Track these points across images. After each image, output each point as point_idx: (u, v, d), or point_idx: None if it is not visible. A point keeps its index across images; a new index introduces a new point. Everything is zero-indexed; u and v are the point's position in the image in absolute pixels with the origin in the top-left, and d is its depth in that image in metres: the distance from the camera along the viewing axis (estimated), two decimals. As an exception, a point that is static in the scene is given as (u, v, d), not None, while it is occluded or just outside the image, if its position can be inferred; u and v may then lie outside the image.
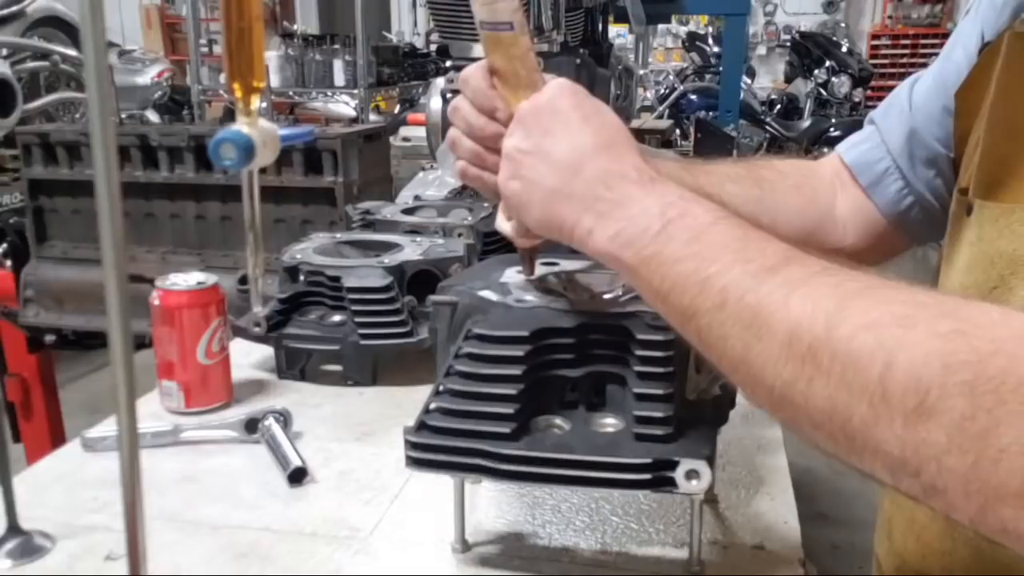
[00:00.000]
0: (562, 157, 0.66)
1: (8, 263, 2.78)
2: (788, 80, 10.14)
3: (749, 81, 8.47)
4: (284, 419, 0.99)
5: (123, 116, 3.67)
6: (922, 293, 0.50)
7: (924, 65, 0.94)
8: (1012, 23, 0.72)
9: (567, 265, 0.88)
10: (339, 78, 4.09)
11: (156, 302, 1.05)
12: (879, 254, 0.93)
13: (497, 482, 0.83)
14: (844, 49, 9.53)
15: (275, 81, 3.95)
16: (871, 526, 0.91)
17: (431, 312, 0.87)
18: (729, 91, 4.03)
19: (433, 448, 0.71)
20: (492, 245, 1.35)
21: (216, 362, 1.07)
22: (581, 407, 0.75)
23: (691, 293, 0.58)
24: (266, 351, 1.20)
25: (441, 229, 1.37)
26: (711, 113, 6.13)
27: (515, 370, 0.72)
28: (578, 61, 1.86)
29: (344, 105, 4.74)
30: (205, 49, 5.60)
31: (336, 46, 4.11)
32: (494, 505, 0.85)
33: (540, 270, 0.87)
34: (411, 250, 1.24)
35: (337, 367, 1.17)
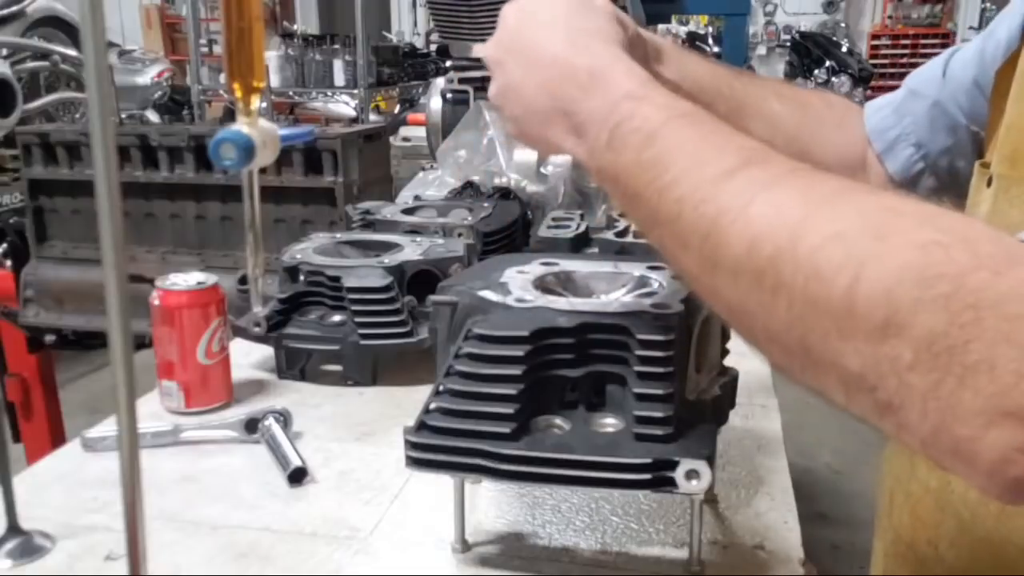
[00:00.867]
0: (530, 62, 0.64)
1: (8, 263, 2.79)
2: (788, 80, 10.14)
3: (749, 81, 8.46)
4: (284, 419, 0.99)
5: (123, 116, 3.67)
6: (899, 200, 0.47)
7: (925, 65, 0.94)
8: None
9: (567, 265, 0.88)
10: (339, 78, 4.10)
11: (156, 302, 1.05)
12: None
13: (497, 482, 0.83)
14: (844, 49, 9.54)
15: (275, 81, 3.96)
16: (871, 526, 0.91)
17: (431, 312, 0.87)
18: (729, 91, 4.02)
19: (433, 448, 0.71)
20: (492, 245, 1.35)
21: (216, 362, 1.07)
22: (581, 407, 0.75)
23: (650, 204, 0.55)
24: (266, 351, 1.20)
25: (441, 229, 1.37)
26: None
27: (515, 370, 0.72)
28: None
29: (344, 105, 4.74)
30: (205, 49, 5.61)
31: (336, 46, 4.11)
32: (494, 505, 0.85)
33: (540, 270, 0.87)
34: (411, 250, 1.24)
35: (337, 367, 1.17)
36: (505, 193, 1.58)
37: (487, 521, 0.83)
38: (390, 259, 1.20)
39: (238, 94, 0.98)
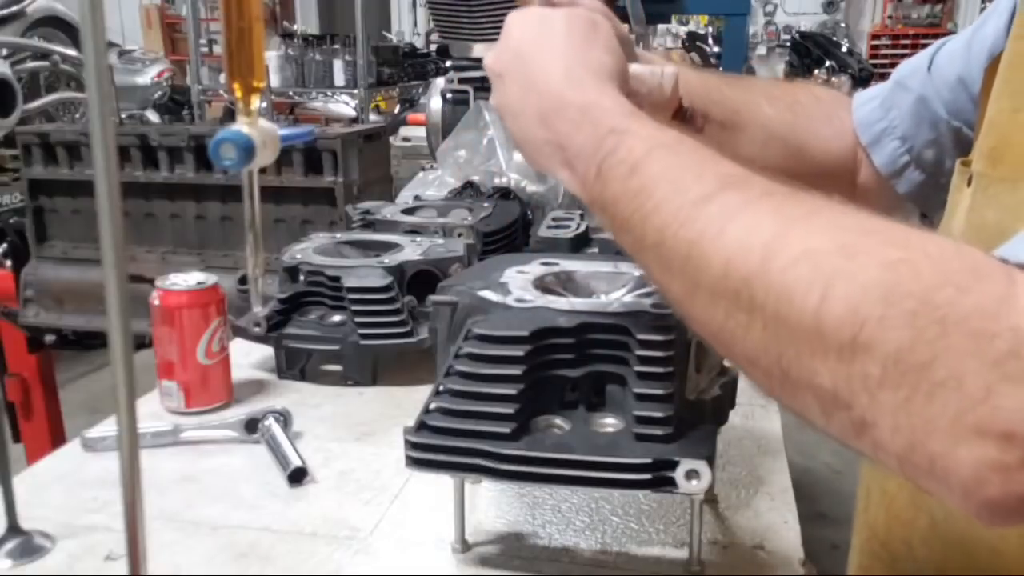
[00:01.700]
0: (528, 87, 0.67)
1: (8, 263, 2.79)
2: (787, 79, 10.13)
3: (749, 81, 8.46)
4: (284, 419, 0.99)
5: (123, 116, 3.67)
6: (870, 220, 0.48)
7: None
8: None
9: (567, 265, 0.88)
10: (339, 78, 4.10)
11: (156, 302, 1.05)
12: (879, 204, 0.94)
13: (497, 482, 0.83)
14: (844, 49, 9.55)
15: (275, 81, 3.96)
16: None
17: (431, 312, 0.87)
18: (729, 91, 4.01)
19: (433, 448, 0.71)
20: (492, 245, 1.35)
21: (216, 362, 1.07)
22: (581, 407, 0.75)
23: (636, 231, 0.57)
24: (266, 351, 1.20)
25: (441, 229, 1.37)
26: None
27: (515, 370, 0.71)
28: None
29: (344, 105, 4.74)
30: (205, 49, 5.61)
31: (336, 46, 4.11)
32: (494, 505, 0.85)
33: (540, 270, 0.87)
34: (411, 250, 1.24)
35: (337, 367, 1.17)
36: (505, 193, 1.58)
37: (487, 521, 0.83)
38: (390, 259, 1.20)
39: (238, 94, 0.98)
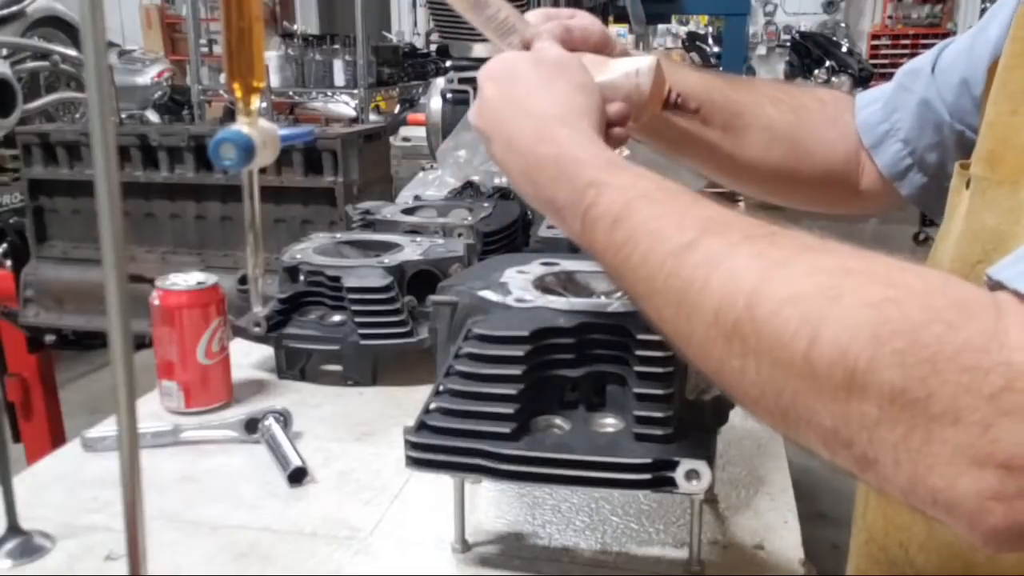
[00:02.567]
0: (509, 148, 0.68)
1: (8, 263, 2.78)
2: (788, 80, 10.15)
3: (749, 81, 8.47)
4: (284, 419, 0.99)
5: (123, 116, 3.67)
6: (853, 258, 0.48)
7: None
8: None
9: (567, 265, 0.88)
10: (339, 78, 4.10)
11: (156, 302, 1.05)
12: (882, 205, 0.95)
13: (497, 482, 0.83)
14: (844, 49, 9.55)
15: (275, 81, 3.96)
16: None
17: (431, 312, 0.87)
18: (729, 91, 4.01)
19: (433, 448, 0.71)
20: (492, 245, 1.35)
21: (216, 362, 1.07)
22: (581, 407, 0.75)
23: (626, 281, 0.58)
24: (266, 351, 1.20)
25: (441, 229, 1.37)
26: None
27: (515, 370, 0.72)
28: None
29: (344, 105, 4.74)
30: (205, 49, 5.61)
31: (336, 46, 4.11)
32: (494, 505, 0.85)
33: (540, 270, 0.87)
34: (411, 250, 1.24)
35: (337, 367, 1.17)
36: (505, 193, 1.58)
37: (487, 521, 0.83)
38: (390, 259, 1.20)
39: (238, 94, 0.98)
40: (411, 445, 0.71)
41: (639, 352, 0.71)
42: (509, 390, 0.71)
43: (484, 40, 0.74)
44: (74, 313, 2.59)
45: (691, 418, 0.72)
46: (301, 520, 0.84)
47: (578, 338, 0.74)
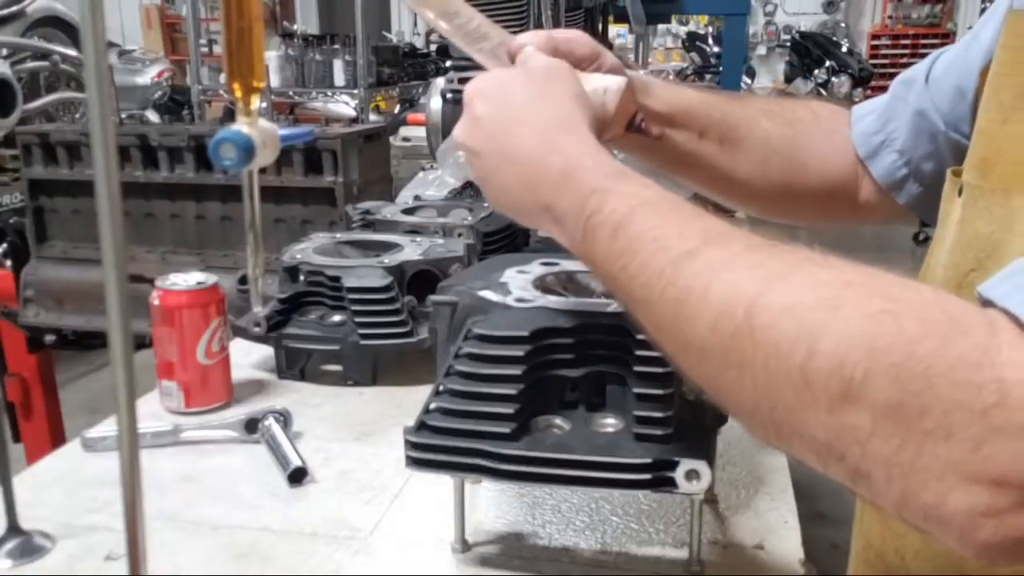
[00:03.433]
0: (506, 160, 0.67)
1: (8, 263, 2.78)
2: (788, 80, 10.16)
3: (749, 81, 8.50)
4: (284, 419, 0.99)
5: (123, 116, 3.66)
6: (852, 271, 0.48)
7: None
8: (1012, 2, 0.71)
9: (567, 265, 0.88)
10: (339, 78, 4.09)
11: (156, 302, 1.05)
12: (882, 216, 0.94)
13: (497, 482, 0.83)
14: (844, 49, 9.55)
15: (275, 81, 3.95)
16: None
17: (431, 312, 0.87)
18: (729, 91, 4.02)
19: (433, 448, 0.71)
20: (492, 245, 1.35)
21: (216, 362, 1.07)
22: (581, 407, 0.75)
23: (624, 290, 0.58)
24: (266, 351, 1.20)
25: (441, 229, 1.37)
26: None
27: (515, 370, 0.72)
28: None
29: (344, 105, 4.74)
30: (205, 49, 5.60)
31: (336, 46, 4.10)
32: (494, 505, 0.85)
33: (540, 270, 0.87)
34: (411, 250, 1.24)
35: (337, 367, 1.17)
36: (505, 193, 1.58)
37: (487, 521, 0.83)
38: (390, 259, 1.20)
39: (238, 94, 0.98)
40: (411, 445, 0.71)
41: (639, 352, 0.71)
42: (509, 390, 0.71)
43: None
44: (74, 313, 2.59)
45: (691, 418, 0.72)
46: (301, 520, 0.84)
47: (578, 338, 0.74)
